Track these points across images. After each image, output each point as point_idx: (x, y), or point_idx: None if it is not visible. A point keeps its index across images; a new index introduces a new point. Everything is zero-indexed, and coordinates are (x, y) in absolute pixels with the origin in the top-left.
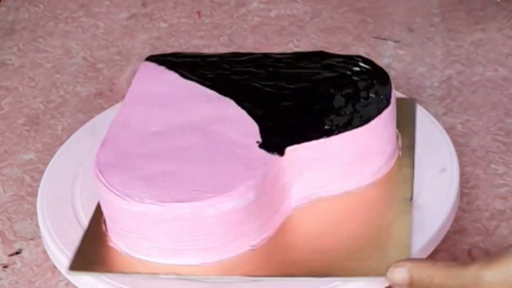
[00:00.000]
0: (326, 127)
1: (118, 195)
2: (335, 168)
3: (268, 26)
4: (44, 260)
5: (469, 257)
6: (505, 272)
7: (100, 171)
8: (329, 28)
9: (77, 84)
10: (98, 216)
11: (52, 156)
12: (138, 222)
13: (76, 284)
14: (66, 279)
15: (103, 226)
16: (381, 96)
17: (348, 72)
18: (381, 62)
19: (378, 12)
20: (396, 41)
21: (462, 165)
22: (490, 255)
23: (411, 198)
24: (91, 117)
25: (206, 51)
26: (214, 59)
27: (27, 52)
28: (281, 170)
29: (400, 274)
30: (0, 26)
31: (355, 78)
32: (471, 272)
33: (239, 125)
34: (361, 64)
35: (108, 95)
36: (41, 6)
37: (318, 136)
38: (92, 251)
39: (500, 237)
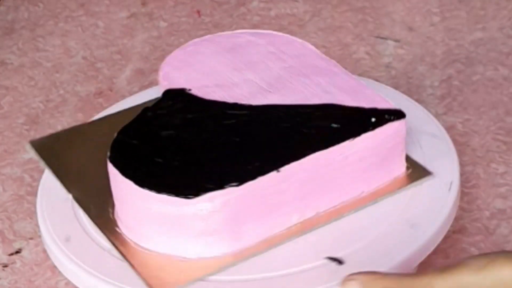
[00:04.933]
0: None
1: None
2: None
3: (268, 25)
4: (44, 260)
5: None
6: (456, 282)
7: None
8: (329, 28)
9: (77, 83)
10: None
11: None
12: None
13: (76, 284)
14: (66, 278)
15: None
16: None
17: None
18: (381, 62)
19: (378, 11)
20: (396, 40)
21: (462, 165)
22: (444, 266)
23: None
24: (91, 117)
25: None
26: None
27: (27, 51)
28: None
29: (353, 287)
30: None
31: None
32: (423, 282)
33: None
34: None
35: (108, 94)
36: (41, 5)
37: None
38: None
39: (500, 236)
